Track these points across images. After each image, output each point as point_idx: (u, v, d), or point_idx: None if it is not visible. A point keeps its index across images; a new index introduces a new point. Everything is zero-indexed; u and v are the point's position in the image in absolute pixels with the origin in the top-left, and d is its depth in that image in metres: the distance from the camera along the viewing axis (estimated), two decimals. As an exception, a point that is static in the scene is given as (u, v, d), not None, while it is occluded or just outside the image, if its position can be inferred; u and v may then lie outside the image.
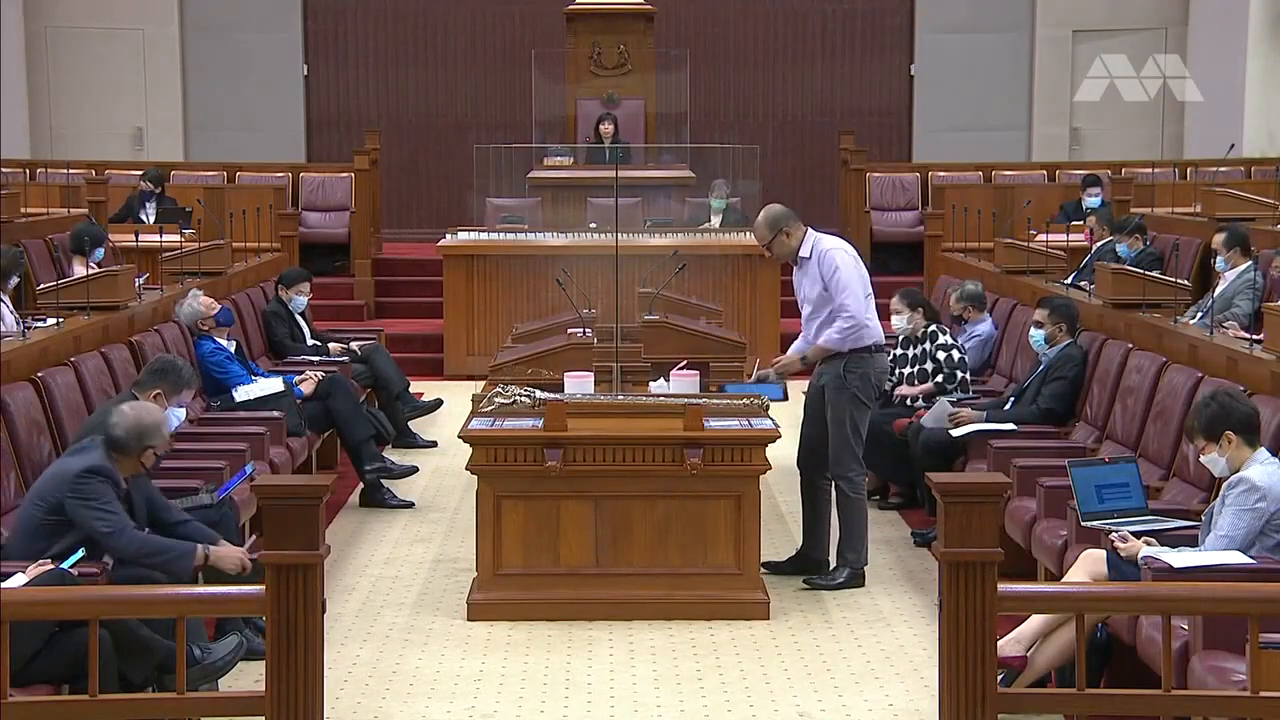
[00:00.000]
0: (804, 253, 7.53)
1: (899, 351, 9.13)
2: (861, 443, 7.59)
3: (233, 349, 9.26)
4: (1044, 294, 9.15)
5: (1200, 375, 7.09)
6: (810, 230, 7.60)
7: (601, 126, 16.41)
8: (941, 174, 17.14)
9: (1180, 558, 5.42)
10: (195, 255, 10.78)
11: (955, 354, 9.05)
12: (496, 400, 7.30)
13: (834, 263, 7.44)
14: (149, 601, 4.82)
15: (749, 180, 15.82)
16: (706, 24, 19.79)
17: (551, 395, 7.30)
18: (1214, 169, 16.48)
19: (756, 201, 10.35)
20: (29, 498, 5.95)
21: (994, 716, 4.27)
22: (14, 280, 9.65)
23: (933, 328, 9.11)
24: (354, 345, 10.93)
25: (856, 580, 7.54)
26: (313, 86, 19.91)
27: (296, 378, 9.36)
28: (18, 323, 8.44)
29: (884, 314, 8.43)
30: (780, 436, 7.23)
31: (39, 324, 8.37)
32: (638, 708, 6.01)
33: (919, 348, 9.13)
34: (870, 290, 7.61)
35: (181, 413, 6.94)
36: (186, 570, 5.82)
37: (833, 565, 7.61)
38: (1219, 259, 9.78)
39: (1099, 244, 11.93)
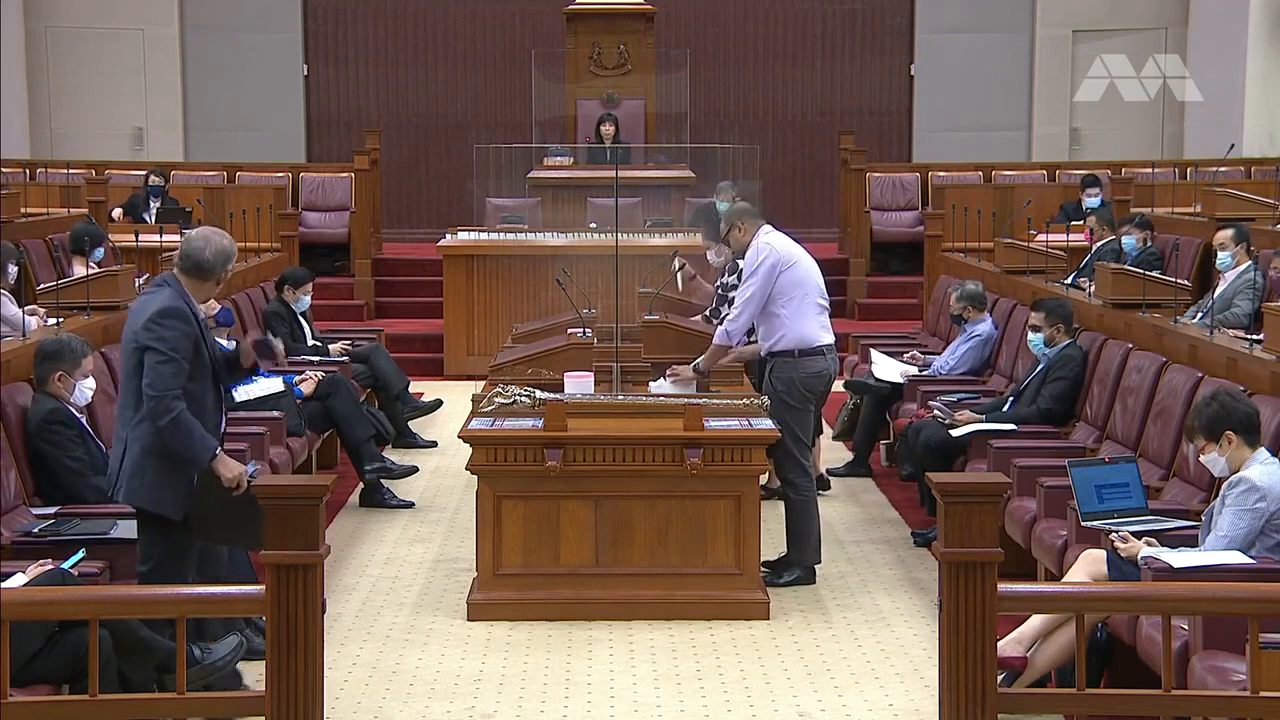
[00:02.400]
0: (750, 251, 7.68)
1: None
2: (803, 444, 7.65)
3: (233, 349, 9.24)
4: (1039, 295, 9.15)
5: (1200, 375, 7.09)
6: (765, 229, 7.68)
7: (603, 128, 16.41)
8: (941, 174, 17.13)
9: (1180, 558, 5.42)
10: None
11: (729, 282, 8.89)
12: (496, 400, 7.31)
13: (753, 263, 7.57)
14: (149, 601, 4.82)
15: (749, 180, 15.82)
16: (706, 24, 19.79)
17: (551, 395, 7.30)
18: (1214, 169, 16.48)
19: (757, 202, 10.34)
20: (123, 358, 5.81)
21: (994, 716, 4.27)
22: (12, 270, 9.63)
23: (731, 262, 8.83)
24: (346, 347, 10.90)
25: (808, 578, 7.59)
26: (313, 86, 19.91)
27: (296, 378, 9.36)
28: (24, 318, 8.40)
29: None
30: (780, 436, 7.25)
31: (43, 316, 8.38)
32: (638, 708, 6.01)
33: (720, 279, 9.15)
34: (807, 291, 7.59)
35: (90, 382, 6.79)
36: (198, 465, 5.67)
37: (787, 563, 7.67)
38: (1224, 254, 9.72)
39: (1099, 244, 11.93)
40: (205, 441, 5.68)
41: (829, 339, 7.67)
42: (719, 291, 9.06)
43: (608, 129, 16.37)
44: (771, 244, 7.59)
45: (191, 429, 5.62)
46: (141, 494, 5.68)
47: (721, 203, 14.63)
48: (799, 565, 7.61)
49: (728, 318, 7.74)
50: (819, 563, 7.71)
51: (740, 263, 8.12)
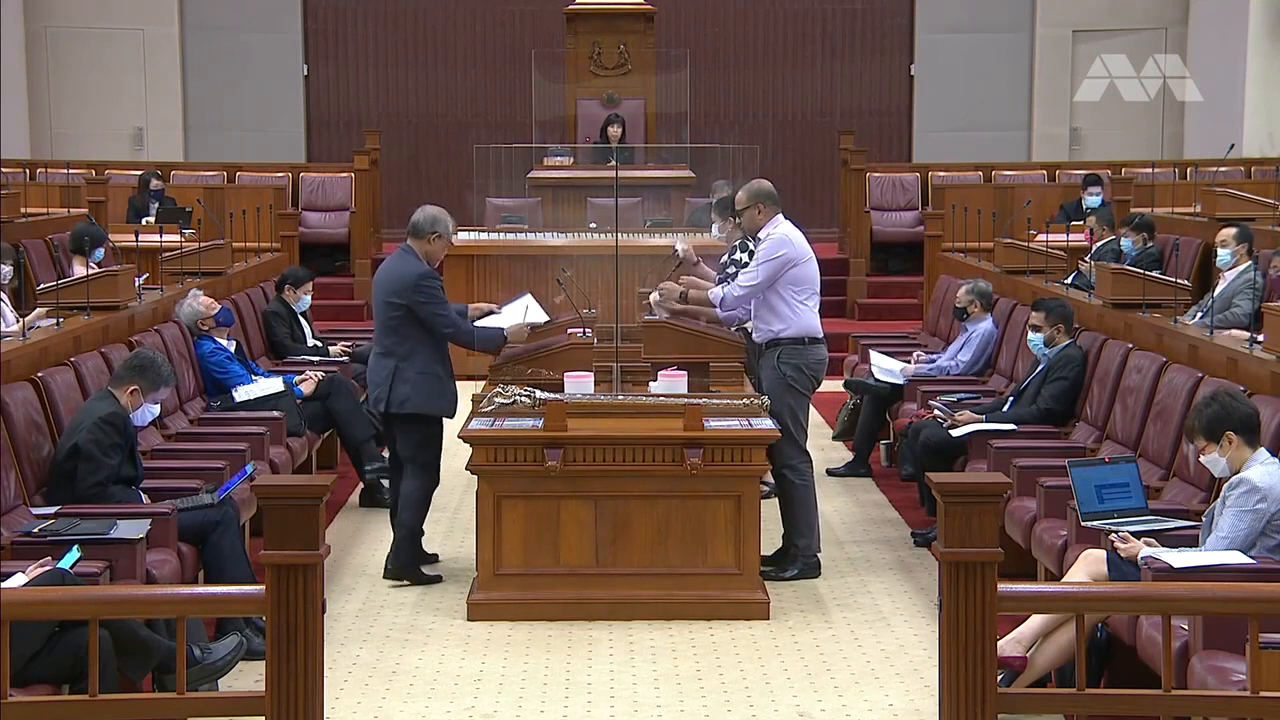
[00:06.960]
0: (762, 235, 7.77)
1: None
2: (803, 431, 7.74)
3: (233, 349, 9.26)
4: (1039, 295, 9.15)
5: (1200, 375, 7.09)
6: (779, 219, 7.79)
7: (610, 130, 16.39)
8: (941, 174, 17.13)
9: (1180, 558, 5.42)
10: (195, 255, 10.78)
11: (740, 259, 8.72)
12: (496, 400, 7.31)
13: (772, 252, 7.67)
14: (149, 601, 4.82)
15: (749, 181, 15.78)
16: (706, 24, 19.79)
17: (551, 395, 7.30)
18: (1214, 169, 16.48)
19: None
20: (383, 308, 7.57)
21: (994, 716, 4.27)
22: (6, 270, 9.62)
23: (741, 240, 8.70)
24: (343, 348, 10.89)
25: (812, 570, 7.63)
26: (313, 86, 19.91)
27: (296, 378, 9.35)
28: (19, 320, 8.42)
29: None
30: (780, 436, 7.25)
31: (42, 321, 8.38)
32: (638, 708, 6.01)
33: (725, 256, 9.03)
34: (816, 286, 7.77)
35: (156, 409, 6.99)
36: (496, 346, 7.96)
37: (788, 555, 7.70)
38: (1224, 252, 9.70)
39: (1099, 244, 11.93)
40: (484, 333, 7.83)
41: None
42: (727, 261, 8.99)
43: (615, 130, 16.35)
44: (789, 239, 7.72)
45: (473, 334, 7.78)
46: (416, 402, 7.48)
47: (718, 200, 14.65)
48: (802, 557, 7.62)
49: (730, 289, 7.80)
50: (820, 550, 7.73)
51: (750, 242, 8.20)
